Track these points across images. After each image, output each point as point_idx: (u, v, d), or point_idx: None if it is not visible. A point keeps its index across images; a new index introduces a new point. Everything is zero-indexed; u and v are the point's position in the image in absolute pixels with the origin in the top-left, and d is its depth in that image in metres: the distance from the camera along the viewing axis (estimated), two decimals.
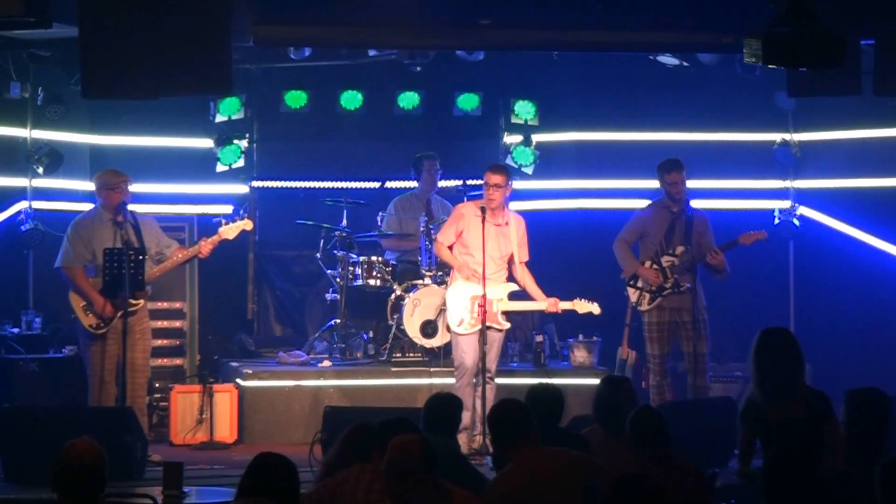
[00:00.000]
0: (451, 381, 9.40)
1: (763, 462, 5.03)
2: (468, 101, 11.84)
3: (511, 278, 9.46)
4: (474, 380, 9.27)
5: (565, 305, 9.50)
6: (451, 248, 9.45)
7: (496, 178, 9.26)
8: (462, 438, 8.91)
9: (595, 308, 9.54)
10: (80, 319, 9.10)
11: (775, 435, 6.38)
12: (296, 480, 4.85)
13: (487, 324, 9.19)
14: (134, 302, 8.99)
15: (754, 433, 6.60)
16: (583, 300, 9.54)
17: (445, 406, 6.48)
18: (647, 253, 9.94)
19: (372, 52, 11.02)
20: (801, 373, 6.62)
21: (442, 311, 9.87)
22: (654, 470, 5.46)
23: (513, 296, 9.43)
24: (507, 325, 9.37)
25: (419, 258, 10.56)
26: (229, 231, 9.37)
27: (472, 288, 9.30)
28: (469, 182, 11.18)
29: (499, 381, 9.51)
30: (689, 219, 9.79)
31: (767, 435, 6.48)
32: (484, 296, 9.14)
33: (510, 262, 9.43)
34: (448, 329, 9.54)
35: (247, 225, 9.45)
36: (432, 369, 10.17)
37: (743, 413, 6.72)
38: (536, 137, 11.90)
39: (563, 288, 9.74)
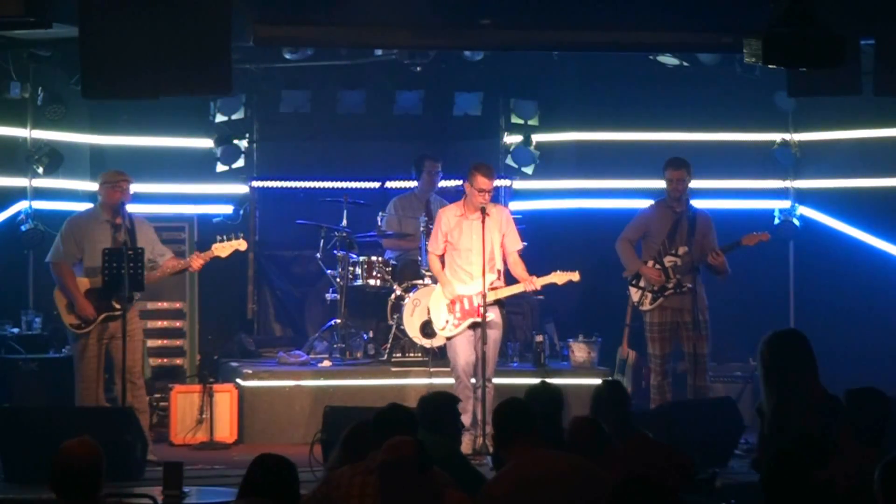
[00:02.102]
0: (451, 381, 9.40)
1: (764, 462, 5.03)
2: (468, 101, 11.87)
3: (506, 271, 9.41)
4: (472, 380, 9.28)
5: (543, 280, 9.39)
6: (442, 255, 9.42)
7: (488, 183, 9.23)
8: (465, 440, 8.94)
9: (574, 275, 9.42)
10: (62, 317, 9.11)
11: (778, 436, 6.36)
12: (296, 481, 4.85)
13: (471, 320, 9.24)
14: (116, 306, 8.95)
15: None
16: (560, 271, 9.46)
17: (443, 405, 6.46)
18: (649, 252, 9.94)
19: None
20: (813, 376, 6.54)
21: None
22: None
23: (493, 286, 9.36)
24: (491, 317, 9.23)
25: (419, 258, 10.56)
26: (222, 249, 9.29)
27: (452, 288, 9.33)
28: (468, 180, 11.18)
29: (499, 381, 9.52)
30: (693, 218, 9.78)
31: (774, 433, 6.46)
32: (484, 294, 9.13)
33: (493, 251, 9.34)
34: (422, 332, 9.52)
35: (240, 245, 9.36)
36: (432, 369, 10.15)
37: (758, 408, 6.69)
38: (536, 137, 11.91)
39: (562, 287, 9.73)
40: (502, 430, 5.53)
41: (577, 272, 9.44)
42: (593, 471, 5.38)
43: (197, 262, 9.26)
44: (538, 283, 9.38)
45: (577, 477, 5.27)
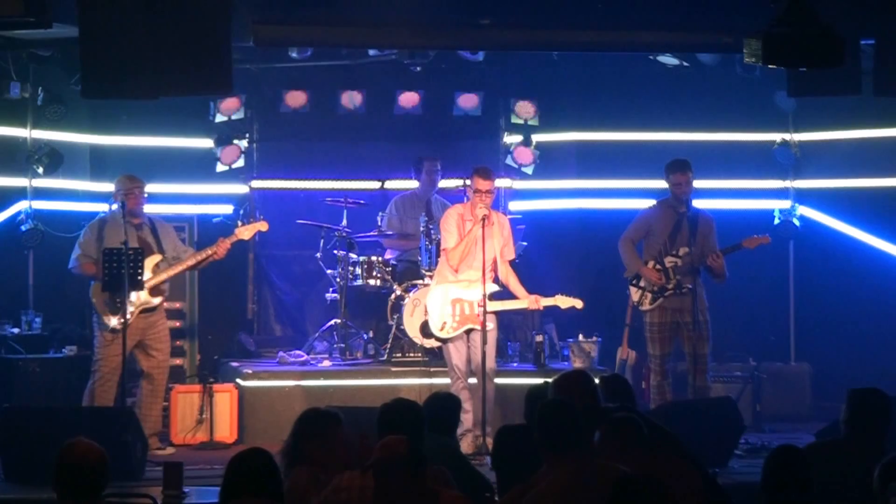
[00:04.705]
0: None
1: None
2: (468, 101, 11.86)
3: (496, 277, 9.43)
4: (472, 380, 9.28)
5: (547, 302, 9.50)
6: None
7: (488, 185, 9.24)
8: (466, 440, 8.95)
9: (578, 302, 9.53)
10: (102, 316, 9.21)
11: None
12: (278, 472, 4.82)
13: (469, 325, 9.27)
14: (152, 300, 9.34)
15: None
16: (564, 295, 9.52)
17: (445, 406, 6.48)
18: (650, 252, 9.93)
19: (372, 52, 11.02)
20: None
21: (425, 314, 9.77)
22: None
23: (494, 296, 9.39)
24: (490, 326, 9.25)
25: (419, 258, 10.56)
26: (245, 231, 9.66)
27: (451, 290, 9.32)
28: (469, 182, 11.16)
29: (499, 381, 9.52)
30: (694, 219, 9.77)
31: None
32: (485, 296, 9.15)
33: (494, 260, 9.38)
34: (422, 332, 9.51)
35: (262, 226, 9.76)
36: (432, 369, 10.16)
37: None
38: (536, 137, 11.90)
39: (562, 288, 9.73)
40: (550, 436, 5.21)
41: (580, 300, 9.55)
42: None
43: (223, 247, 9.48)
44: (542, 303, 9.46)
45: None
